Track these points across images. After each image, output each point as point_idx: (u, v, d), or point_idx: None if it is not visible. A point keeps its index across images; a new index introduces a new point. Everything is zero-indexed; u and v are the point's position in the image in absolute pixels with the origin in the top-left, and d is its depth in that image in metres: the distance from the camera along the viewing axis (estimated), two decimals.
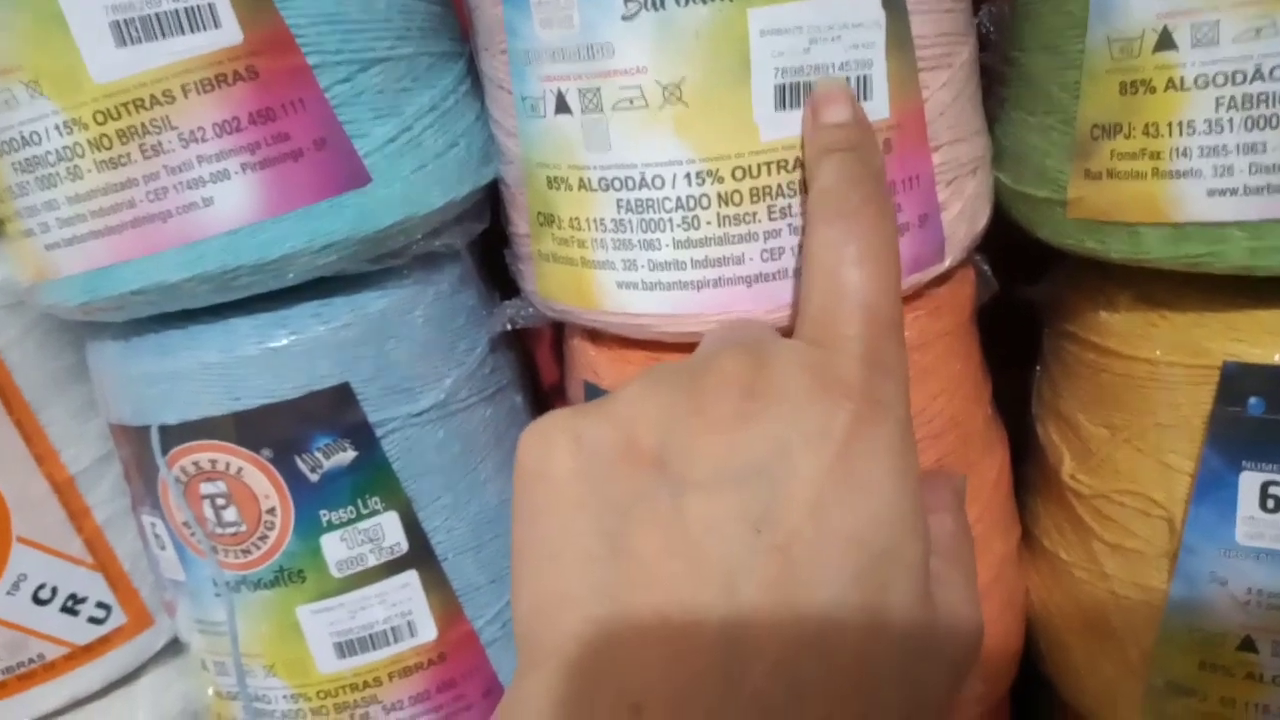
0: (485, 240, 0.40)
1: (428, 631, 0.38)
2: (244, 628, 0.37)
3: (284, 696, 0.38)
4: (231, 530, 0.36)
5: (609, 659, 0.20)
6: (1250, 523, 0.33)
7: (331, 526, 0.36)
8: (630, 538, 0.20)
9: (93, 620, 0.43)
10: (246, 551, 0.36)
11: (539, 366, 0.49)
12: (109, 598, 0.43)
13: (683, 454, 0.21)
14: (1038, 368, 0.41)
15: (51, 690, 0.42)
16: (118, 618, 0.44)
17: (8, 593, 0.40)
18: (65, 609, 0.42)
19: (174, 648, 0.46)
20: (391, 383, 0.36)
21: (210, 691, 0.41)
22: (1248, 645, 0.34)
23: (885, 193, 0.25)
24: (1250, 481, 0.33)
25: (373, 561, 0.37)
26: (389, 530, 0.37)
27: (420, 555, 0.37)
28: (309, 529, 0.36)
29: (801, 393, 0.21)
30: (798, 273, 0.29)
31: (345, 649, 0.37)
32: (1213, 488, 0.33)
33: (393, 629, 0.37)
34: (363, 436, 0.36)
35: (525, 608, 0.22)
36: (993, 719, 0.42)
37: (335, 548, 0.36)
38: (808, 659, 0.19)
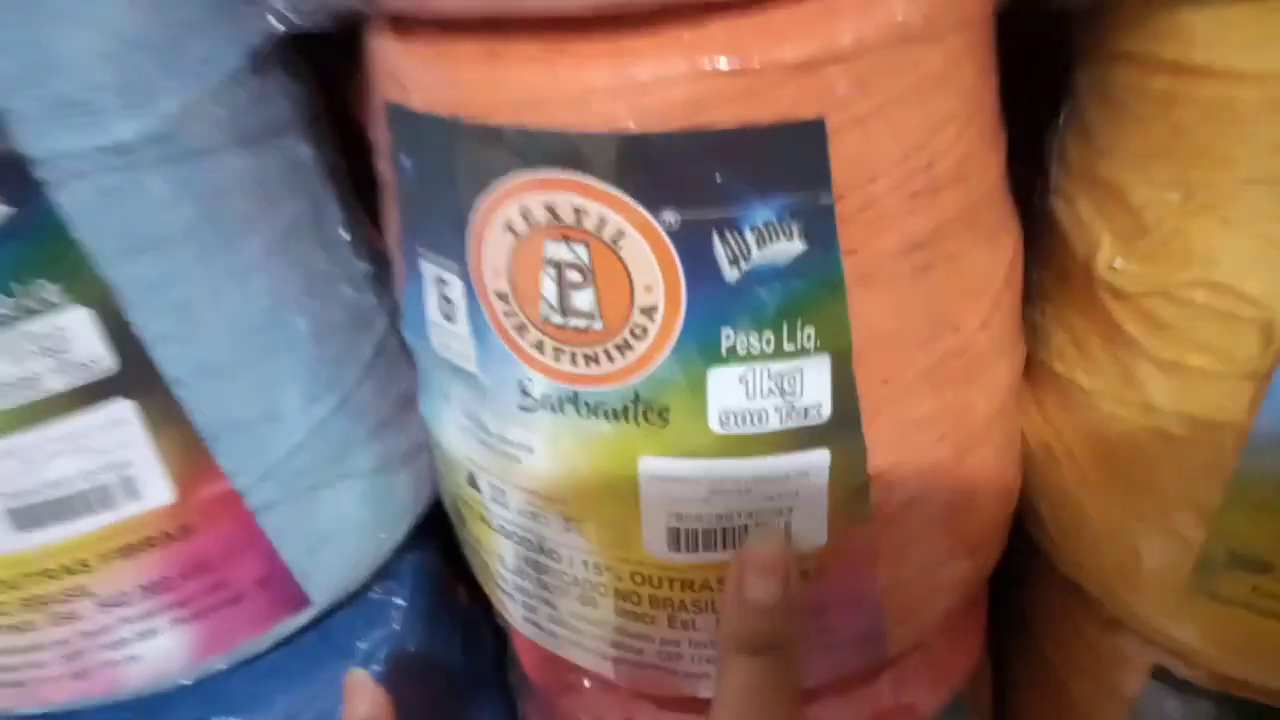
0: None
1: (159, 492, 0.25)
2: None
3: None
4: None
5: None
6: None
7: None
8: None
9: None
10: None
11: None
12: None
13: None
14: (1060, 122, 0.29)
15: None
16: None
17: None
18: None
19: None
20: (62, 93, 0.22)
21: None
22: None
23: (795, 711, 0.24)
24: None
25: (57, 386, 0.23)
26: (78, 337, 0.23)
27: (138, 377, 0.24)
28: None
29: None
30: None
31: (26, 518, 0.24)
32: None
33: (100, 488, 0.24)
34: (19, 181, 0.22)
35: None
36: (973, 605, 0.31)
37: None
38: None
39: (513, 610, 0.29)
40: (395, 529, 0.31)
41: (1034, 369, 0.30)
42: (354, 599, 0.31)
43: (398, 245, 0.26)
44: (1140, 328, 0.26)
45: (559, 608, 0.27)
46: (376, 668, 0.31)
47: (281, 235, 0.26)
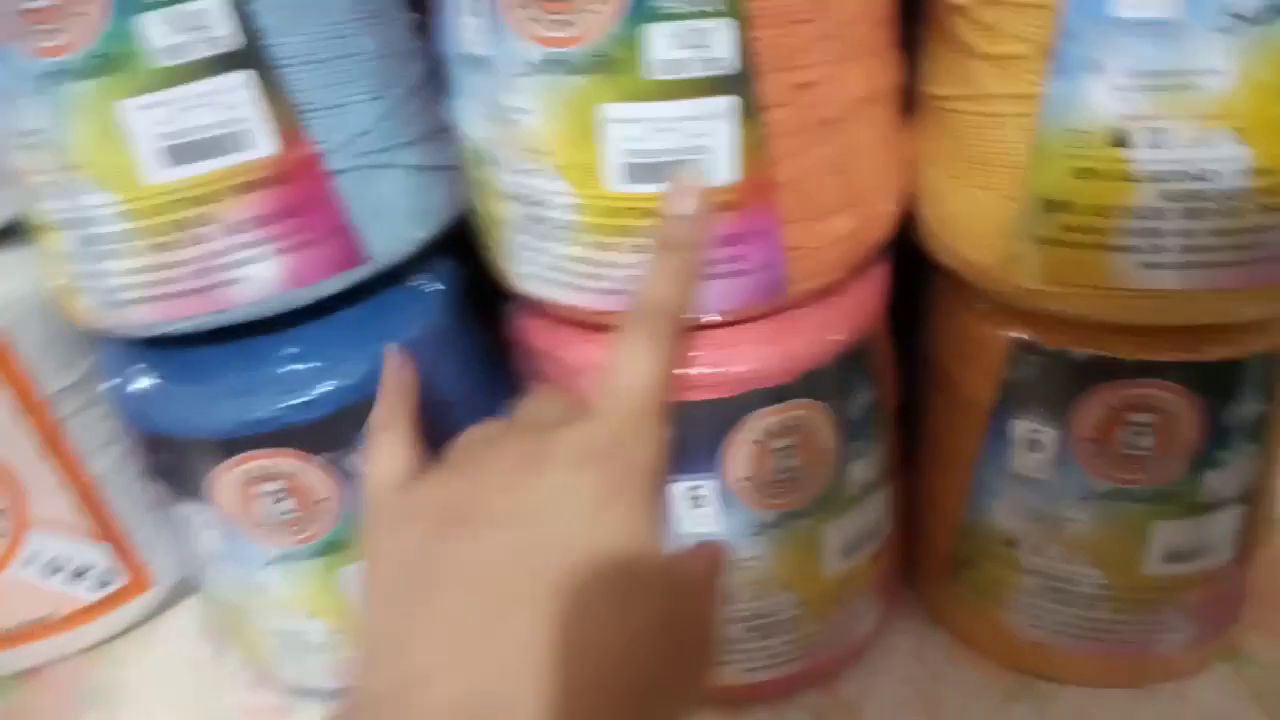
0: None
1: (267, 144, 0.35)
2: (64, 133, 0.35)
3: (113, 215, 0.36)
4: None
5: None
6: None
7: (150, 4, 0.33)
8: (427, 568, 0.29)
9: None
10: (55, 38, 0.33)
11: None
12: None
13: (483, 505, 0.29)
14: None
15: None
16: None
17: None
18: None
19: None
20: None
21: (42, 223, 0.38)
22: (1121, 140, 0.33)
23: (688, 296, 0.34)
24: None
25: (202, 53, 0.34)
26: (216, 19, 0.34)
27: (254, 55, 0.34)
28: (125, 5, 0.33)
29: (571, 461, 0.30)
30: None
31: (179, 154, 0.35)
32: None
33: (228, 135, 0.35)
34: None
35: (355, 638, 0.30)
36: (869, 280, 0.40)
37: (158, 30, 0.33)
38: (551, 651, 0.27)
39: (518, 270, 0.39)
40: (432, 222, 0.41)
41: (918, 103, 0.40)
42: (400, 284, 0.42)
43: None
44: (974, 33, 0.35)
45: (551, 253, 0.37)
46: (415, 335, 0.41)
47: None
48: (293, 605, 0.43)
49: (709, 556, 0.35)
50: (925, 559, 0.49)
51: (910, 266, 0.43)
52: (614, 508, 0.29)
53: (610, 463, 0.30)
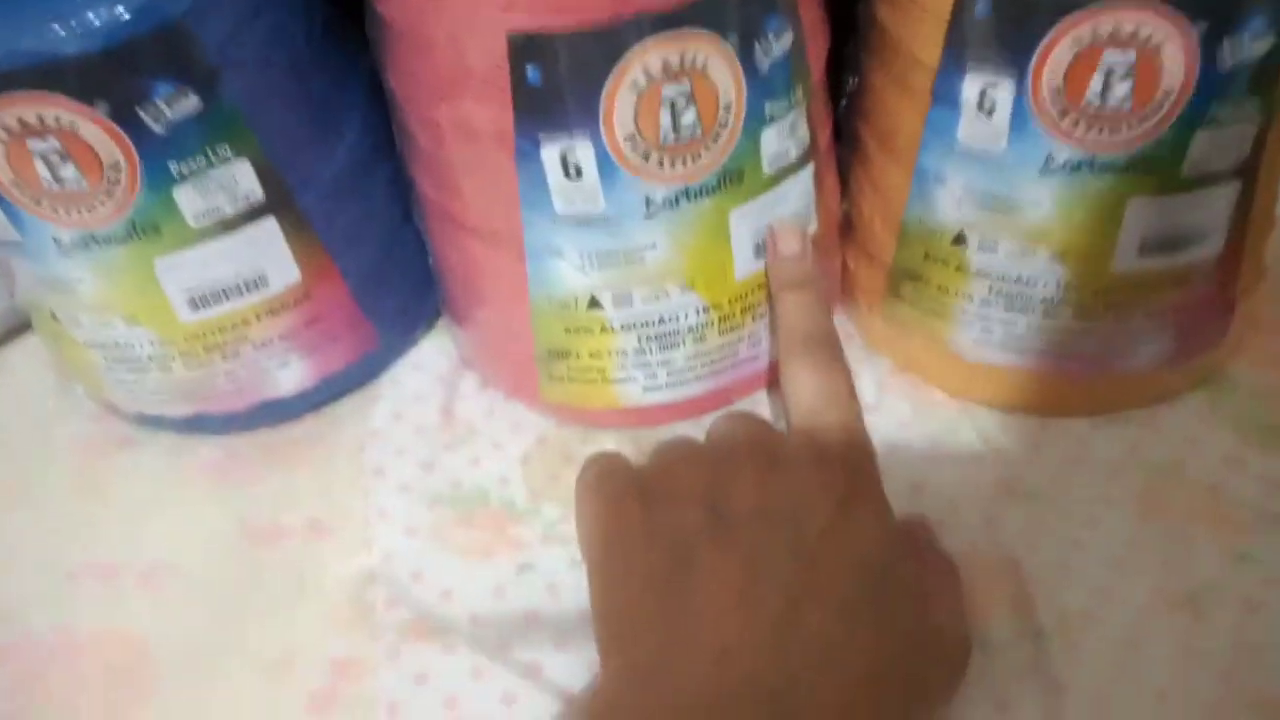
0: None
1: None
2: None
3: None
4: None
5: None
6: None
7: None
8: (697, 557, 0.28)
9: None
10: None
11: None
12: None
13: (729, 502, 0.29)
14: None
15: None
16: None
17: None
18: None
19: None
20: None
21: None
22: None
23: (830, 320, 0.36)
24: None
25: None
26: None
27: None
28: None
29: (808, 463, 0.30)
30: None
31: None
32: None
33: None
34: None
35: (603, 620, 0.29)
36: None
37: None
38: (830, 646, 0.26)
39: None
40: None
41: None
42: None
43: None
44: None
45: None
46: None
47: None
48: (107, 306, 0.37)
49: (946, 563, 0.33)
50: (860, 279, 0.42)
51: None
52: (862, 507, 0.29)
53: (844, 465, 0.31)
